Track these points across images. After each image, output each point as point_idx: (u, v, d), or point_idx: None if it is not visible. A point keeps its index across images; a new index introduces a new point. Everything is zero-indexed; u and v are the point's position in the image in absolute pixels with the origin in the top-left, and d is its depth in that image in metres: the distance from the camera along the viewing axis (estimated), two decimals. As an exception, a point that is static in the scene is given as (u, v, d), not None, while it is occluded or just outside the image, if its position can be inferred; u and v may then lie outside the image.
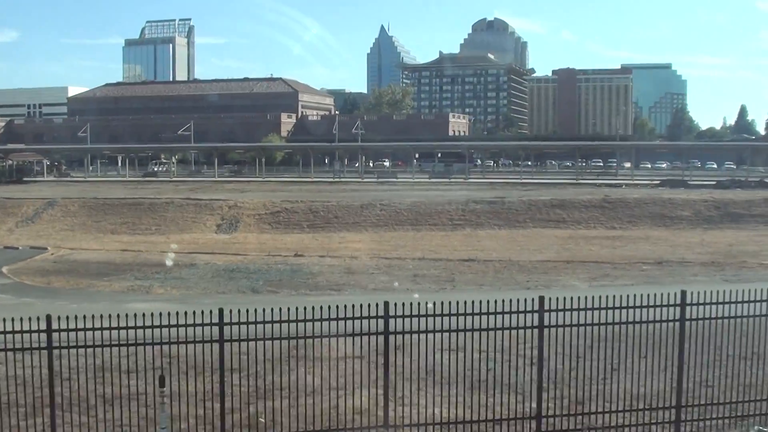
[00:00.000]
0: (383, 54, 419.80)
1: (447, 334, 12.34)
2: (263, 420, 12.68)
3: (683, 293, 12.96)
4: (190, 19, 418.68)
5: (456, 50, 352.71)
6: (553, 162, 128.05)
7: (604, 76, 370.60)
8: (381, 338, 12.04)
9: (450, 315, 12.12)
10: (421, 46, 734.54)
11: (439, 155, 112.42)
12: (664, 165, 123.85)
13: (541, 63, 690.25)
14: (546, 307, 12.52)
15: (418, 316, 12.09)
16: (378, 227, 57.72)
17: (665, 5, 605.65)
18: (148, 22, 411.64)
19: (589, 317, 12.61)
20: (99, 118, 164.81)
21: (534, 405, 12.56)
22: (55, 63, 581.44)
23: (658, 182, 77.53)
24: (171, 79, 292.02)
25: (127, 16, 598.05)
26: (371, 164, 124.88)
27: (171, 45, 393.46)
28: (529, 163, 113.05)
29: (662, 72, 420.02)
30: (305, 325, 11.79)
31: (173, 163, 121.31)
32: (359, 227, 57.81)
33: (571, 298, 12.58)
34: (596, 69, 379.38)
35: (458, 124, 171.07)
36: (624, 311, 12.78)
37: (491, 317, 12.27)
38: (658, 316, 12.95)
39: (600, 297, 12.71)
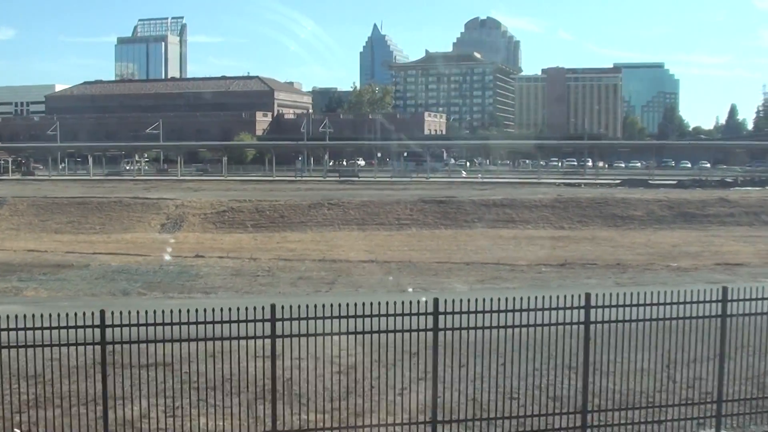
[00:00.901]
0: (376, 52, 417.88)
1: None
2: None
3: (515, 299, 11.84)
4: (182, 18, 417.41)
5: (449, 49, 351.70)
6: (527, 161, 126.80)
7: (593, 75, 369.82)
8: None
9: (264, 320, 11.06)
10: (415, 45, 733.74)
11: (405, 154, 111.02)
12: (638, 164, 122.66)
13: (538, 62, 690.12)
14: (362, 313, 11.41)
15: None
16: (324, 227, 56.53)
17: (661, 5, 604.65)
18: (140, 20, 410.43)
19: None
20: (76, 116, 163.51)
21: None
22: (51, 61, 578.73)
23: (618, 182, 76.32)
24: (163, 78, 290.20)
25: (122, 14, 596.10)
26: (345, 163, 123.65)
27: (163, 43, 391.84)
28: (508, 162, 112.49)
29: (655, 71, 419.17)
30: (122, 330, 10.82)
31: (141, 161, 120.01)
32: (304, 227, 56.62)
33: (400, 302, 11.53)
34: (586, 68, 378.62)
35: (435, 123, 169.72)
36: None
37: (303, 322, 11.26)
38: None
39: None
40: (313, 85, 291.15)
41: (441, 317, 11.21)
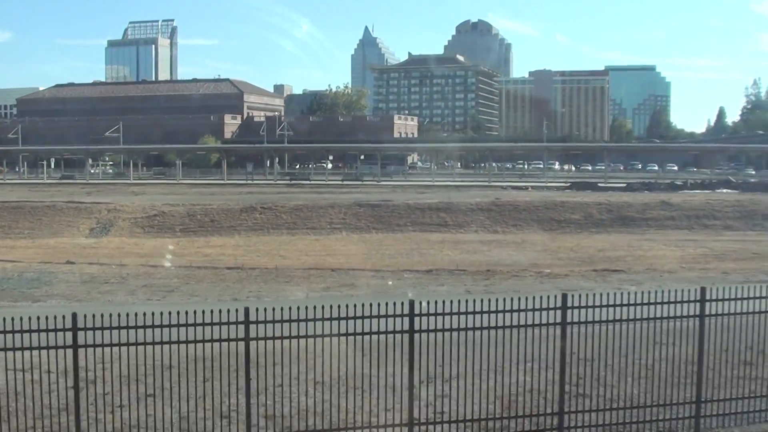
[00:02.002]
0: (367, 55, 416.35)
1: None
2: None
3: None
4: (173, 20, 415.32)
5: (441, 52, 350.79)
6: (494, 164, 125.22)
7: (580, 78, 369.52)
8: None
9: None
10: (407, 48, 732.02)
11: (363, 156, 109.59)
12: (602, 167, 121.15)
13: (534, 65, 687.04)
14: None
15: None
16: (253, 231, 55.41)
17: (658, 9, 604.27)
18: (131, 23, 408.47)
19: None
20: (46, 119, 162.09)
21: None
22: (48, 64, 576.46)
23: (568, 185, 74.95)
24: (154, 80, 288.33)
25: (114, 16, 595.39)
26: (311, 166, 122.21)
27: (153, 46, 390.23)
28: (483, 164, 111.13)
29: (646, 74, 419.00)
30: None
31: (105, 165, 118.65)
32: (234, 231, 55.44)
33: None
34: (573, 70, 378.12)
35: (405, 126, 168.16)
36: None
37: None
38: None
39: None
40: (304, 88, 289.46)
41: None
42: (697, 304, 11.97)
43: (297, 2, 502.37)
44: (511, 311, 11.33)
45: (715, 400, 12.33)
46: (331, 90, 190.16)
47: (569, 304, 11.58)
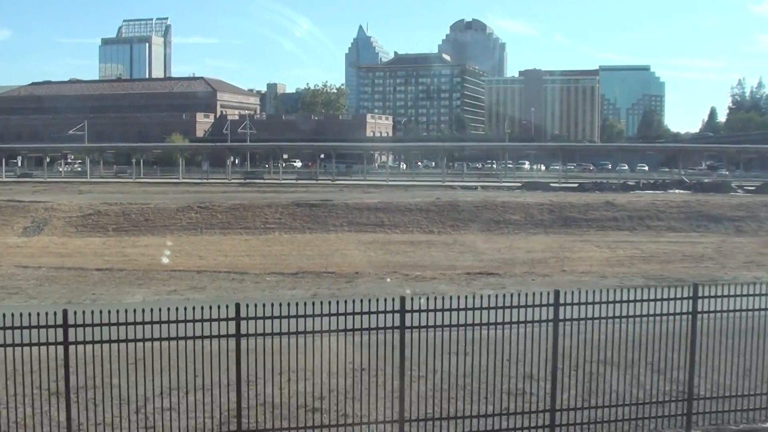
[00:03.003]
0: (361, 54, 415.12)
1: None
2: None
3: None
4: (167, 18, 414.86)
5: (435, 51, 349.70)
6: (468, 163, 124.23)
7: (571, 77, 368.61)
8: None
9: None
10: (401, 47, 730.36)
11: (322, 156, 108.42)
12: (572, 167, 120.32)
13: (531, 65, 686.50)
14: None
15: None
16: (186, 231, 54.40)
17: (658, 10, 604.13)
18: (124, 21, 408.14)
19: None
20: (21, 117, 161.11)
21: None
22: (46, 62, 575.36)
23: (520, 184, 73.93)
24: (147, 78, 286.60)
25: (111, 14, 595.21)
26: (281, 165, 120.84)
27: (147, 44, 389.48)
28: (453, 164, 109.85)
29: (641, 74, 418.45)
30: None
31: (74, 163, 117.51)
32: (167, 231, 54.40)
33: None
34: (564, 70, 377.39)
35: (379, 125, 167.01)
36: None
37: None
38: None
39: None
40: (297, 87, 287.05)
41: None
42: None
43: (294, 1, 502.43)
44: (305, 316, 10.93)
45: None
46: (310, 88, 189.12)
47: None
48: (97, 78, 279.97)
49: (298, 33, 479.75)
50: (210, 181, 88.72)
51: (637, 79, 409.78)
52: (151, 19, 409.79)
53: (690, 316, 12.03)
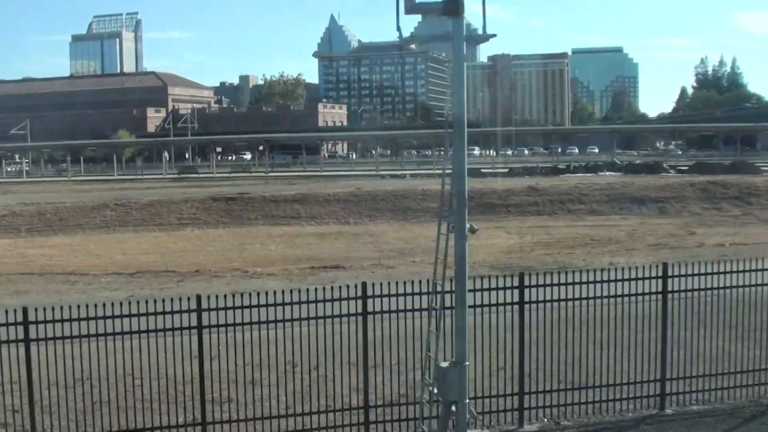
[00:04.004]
0: (334, 44, 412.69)
1: None
2: None
3: None
4: (137, 13, 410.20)
5: (408, 38, 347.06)
6: (414, 152, 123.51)
7: (539, 61, 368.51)
8: None
9: None
10: (374, 35, 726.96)
11: (260, 148, 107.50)
12: (526, 151, 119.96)
13: (506, 50, 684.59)
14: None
15: None
16: (100, 229, 53.73)
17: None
18: (95, 16, 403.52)
19: None
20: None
21: None
22: (18, 60, 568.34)
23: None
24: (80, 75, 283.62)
25: (81, 10, 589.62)
26: (231, 158, 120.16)
27: (118, 40, 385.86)
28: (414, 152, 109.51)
29: (613, 56, 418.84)
30: None
31: (21, 162, 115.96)
32: (79, 230, 53.67)
33: None
34: (532, 54, 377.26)
35: (332, 114, 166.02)
36: None
37: None
38: None
39: None
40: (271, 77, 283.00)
41: None
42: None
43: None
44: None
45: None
46: (265, 79, 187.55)
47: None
48: (68, 75, 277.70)
49: (274, 24, 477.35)
50: (144, 177, 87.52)
51: (610, 61, 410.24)
52: (122, 15, 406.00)
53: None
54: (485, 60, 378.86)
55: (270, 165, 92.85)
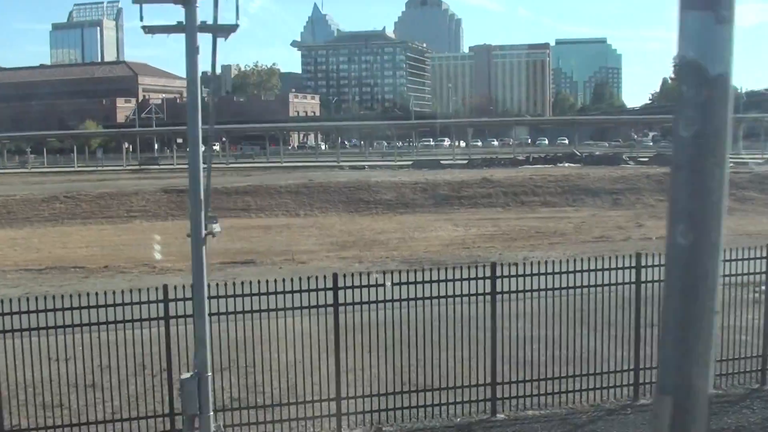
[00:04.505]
0: (317, 32, 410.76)
1: None
2: None
3: None
4: (118, 2, 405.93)
5: (390, 27, 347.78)
6: (385, 143, 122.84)
7: (521, 52, 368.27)
8: None
9: None
10: (358, 24, 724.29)
11: (224, 139, 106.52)
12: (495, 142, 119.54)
13: (490, 40, 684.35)
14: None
15: None
16: (48, 222, 53.07)
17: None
18: (75, 5, 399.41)
19: None
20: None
21: None
22: (2, 48, 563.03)
23: (411, 162, 72.96)
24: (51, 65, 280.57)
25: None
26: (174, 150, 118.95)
27: (98, 28, 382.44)
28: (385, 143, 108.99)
29: (597, 47, 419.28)
30: None
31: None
32: (27, 223, 52.99)
33: None
34: (514, 44, 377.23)
35: (304, 104, 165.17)
36: None
37: None
38: None
39: None
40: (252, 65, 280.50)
41: None
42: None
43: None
44: None
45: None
46: (239, 69, 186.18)
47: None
48: (38, 65, 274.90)
49: (260, 12, 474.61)
50: (104, 168, 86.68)
51: (593, 52, 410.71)
52: (102, 3, 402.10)
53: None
54: (467, 51, 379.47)
55: (235, 156, 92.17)
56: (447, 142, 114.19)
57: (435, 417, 11.06)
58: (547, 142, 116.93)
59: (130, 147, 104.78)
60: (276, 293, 10.43)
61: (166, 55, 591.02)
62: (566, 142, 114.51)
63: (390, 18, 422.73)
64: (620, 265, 11.78)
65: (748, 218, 47.14)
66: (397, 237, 41.40)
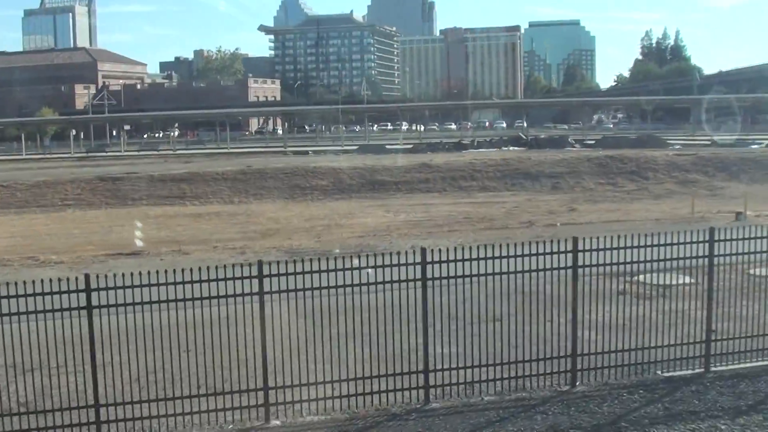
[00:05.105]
0: (290, 17, 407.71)
1: None
2: None
3: None
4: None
5: (364, 12, 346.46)
6: (343, 127, 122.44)
7: (491, 35, 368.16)
8: None
9: None
10: (331, 8, 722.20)
11: (175, 125, 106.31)
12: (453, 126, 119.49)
13: (466, 23, 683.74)
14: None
15: None
16: (-20, 211, 52.20)
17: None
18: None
19: None
20: None
21: None
22: None
23: (356, 147, 72.80)
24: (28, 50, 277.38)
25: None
26: (158, 135, 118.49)
27: (70, 14, 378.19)
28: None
29: (570, 29, 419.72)
30: None
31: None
32: (-38, 213, 52.22)
33: None
34: (484, 27, 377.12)
35: (264, 89, 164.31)
36: None
37: None
38: None
39: None
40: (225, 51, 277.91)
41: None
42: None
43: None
44: None
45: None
46: (203, 54, 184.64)
47: None
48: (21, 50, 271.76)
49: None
50: (51, 156, 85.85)
51: (567, 35, 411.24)
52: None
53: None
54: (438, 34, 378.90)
55: (186, 143, 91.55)
56: (405, 126, 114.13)
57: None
58: (504, 125, 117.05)
59: (82, 134, 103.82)
60: (26, 295, 10.05)
61: (138, 41, 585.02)
62: (524, 125, 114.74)
63: (364, 2, 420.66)
64: (403, 261, 11.40)
65: (683, 202, 47.42)
66: (324, 224, 41.20)
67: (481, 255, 11.66)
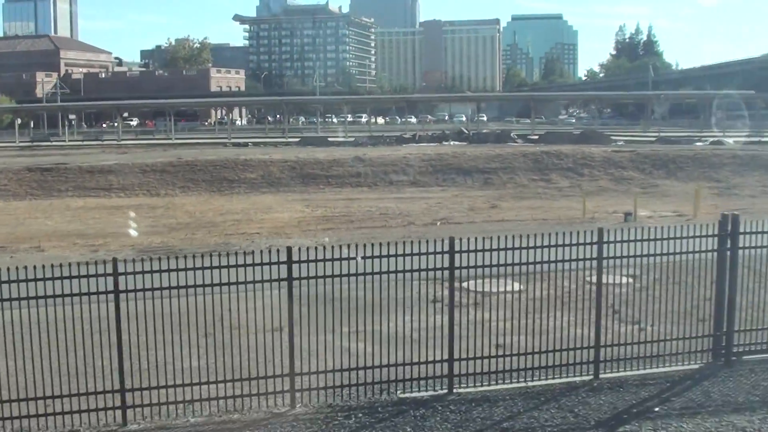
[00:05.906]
0: (272, 6, 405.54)
1: None
2: None
3: None
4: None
5: (348, 3, 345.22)
6: (302, 118, 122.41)
7: (471, 27, 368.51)
8: None
9: None
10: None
11: (139, 114, 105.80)
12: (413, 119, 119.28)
13: (446, 16, 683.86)
14: None
15: None
16: None
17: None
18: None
19: None
20: None
21: None
22: None
23: (298, 140, 72.54)
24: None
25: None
26: (116, 125, 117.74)
27: (51, 1, 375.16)
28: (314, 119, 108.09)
29: (553, 23, 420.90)
30: None
31: None
32: None
33: None
34: (464, 20, 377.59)
35: (227, 79, 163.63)
36: None
37: None
38: None
39: None
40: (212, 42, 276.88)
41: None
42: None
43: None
44: None
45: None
46: (170, 43, 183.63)
47: None
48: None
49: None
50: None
51: (549, 28, 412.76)
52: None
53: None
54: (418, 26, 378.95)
55: (136, 132, 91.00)
56: (364, 118, 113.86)
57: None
58: (464, 118, 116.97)
59: (41, 123, 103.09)
60: None
61: (122, 28, 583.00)
62: (484, 118, 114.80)
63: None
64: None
65: (613, 199, 47.54)
66: (237, 219, 40.98)
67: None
